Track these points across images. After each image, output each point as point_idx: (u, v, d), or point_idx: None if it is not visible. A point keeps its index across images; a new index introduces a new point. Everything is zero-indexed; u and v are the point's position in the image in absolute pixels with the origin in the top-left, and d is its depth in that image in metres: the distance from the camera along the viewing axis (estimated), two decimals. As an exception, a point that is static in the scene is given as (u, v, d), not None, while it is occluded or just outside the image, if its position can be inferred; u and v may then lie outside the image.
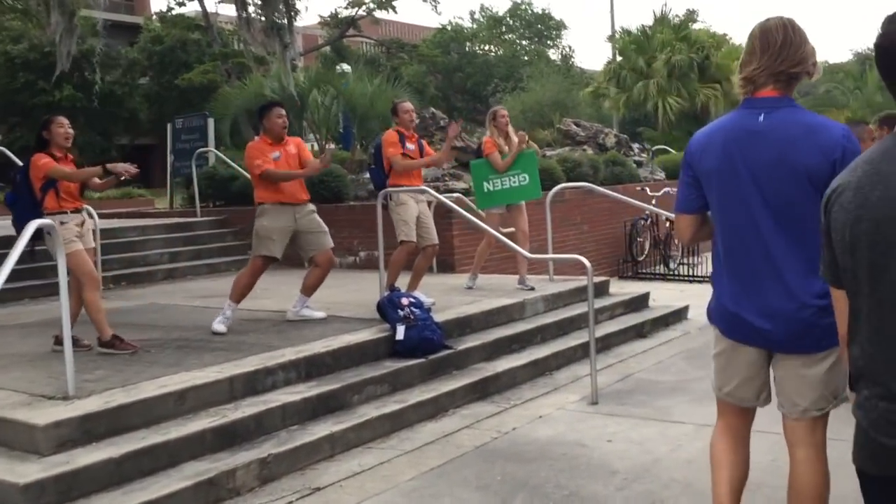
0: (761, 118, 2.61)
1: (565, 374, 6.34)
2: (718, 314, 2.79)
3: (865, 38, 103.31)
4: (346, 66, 16.87)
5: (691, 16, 33.22)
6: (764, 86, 2.62)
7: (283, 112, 6.44)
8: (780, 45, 2.58)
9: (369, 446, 4.80)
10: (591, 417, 5.25)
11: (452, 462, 4.54)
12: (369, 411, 5.06)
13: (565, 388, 5.99)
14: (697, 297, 9.93)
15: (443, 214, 8.79)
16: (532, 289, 7.66)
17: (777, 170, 2.57)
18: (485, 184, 7.74)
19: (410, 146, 7.05)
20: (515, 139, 7.84)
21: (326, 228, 6.53)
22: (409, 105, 7.28)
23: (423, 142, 7.50)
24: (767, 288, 2.62)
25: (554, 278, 8.30)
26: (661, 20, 29.09)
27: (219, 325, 6.07)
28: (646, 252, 12.92)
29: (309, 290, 6.53)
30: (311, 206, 6.50)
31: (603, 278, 8.71)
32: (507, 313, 7.02)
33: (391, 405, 5.18)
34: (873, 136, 5.62)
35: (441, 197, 7.31)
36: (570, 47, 76.47)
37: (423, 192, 7.07)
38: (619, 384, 6.04)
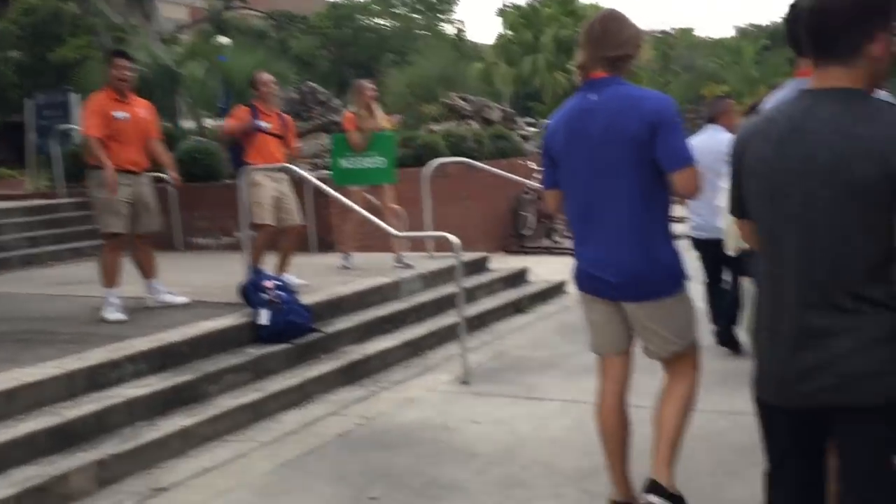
0: (593, 97, 2.99)
1: (440, 353, 6.22)
2: (578, 275, 3.16)
3: (747, 14, 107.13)
4: (224, 39, 16.21)
5: (579, -10, 33.55)
6: (594, 69, 3.00)
7: (127, 63, 5.93)
8: (600, 35, 2.98)
9: (226, 439, 4.55)
10: (460, 398, 5.14)
11: (312, 452, 4.34)
12: (227, 402, 4.80)
13: (438, 368, 5.87)
14: (579, 270, 10.09)
15: (320, 192, 8.51)
16: (409, 266, 7.50)
17: (608, 140, 2.92)
18: (342, 160, 7.52)
19: (264, 123, 6.71)
20: (379, 116, 7.63)
21: (156, 206, 6.11)
22: (266, 76, 6.91)
23: (288, 117, 7.17)
24: (612, 246, 2.98)
25: (434, 255, 8.17)
26: (549, -6, 29.29)
27: (110, 314, 5.69)
28: (531, 226, 12.97)
29: (150, 272, 6.16)
30: (148, 177, 6.08)
31: (481, 254, 8.62)
32: (381, 293, 6.84)
33: (252, 394, 4.94)
34: (731, 109, 5.79)
35: (304, 173, 6.99)
36: (461, 22, 76.26)
37: (283, 170, 6.76)
38: (492, 362, 5.96)
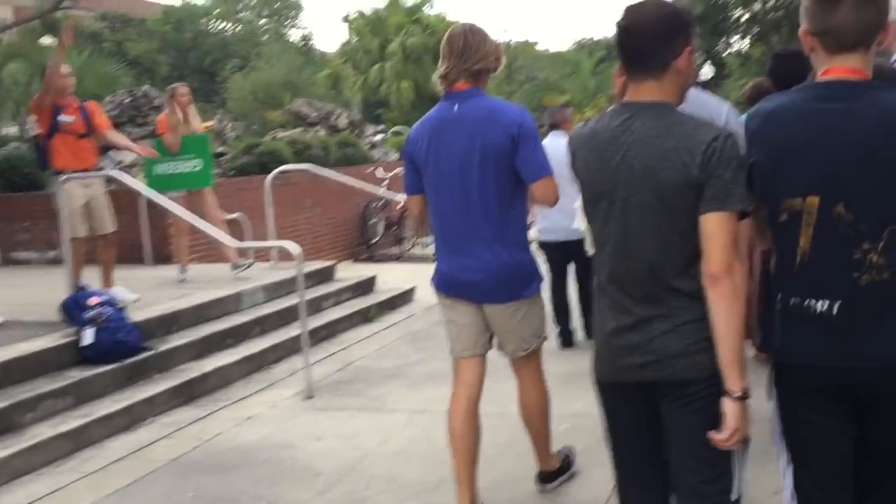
0: (456, 108, 3.11)
1: (284, 367, 5.98)
2: (440, 279, 3.26)
3: (585, 29, 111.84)
4: (48, 40, 15.18)
5: (425, 1, 33.86)
6: (456, 81, 3.12)
7: None
8: (462, 48, 3.09)
9: (42, 472, 4.16)
10: (303, 413, 4.95)
11: (141, 480, 4.03)
12: (45, 431, 4.39)
13: (282, 382, 5.64)
14: (427, 278, 10.04)
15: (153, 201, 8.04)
16: (248, 266, 7.23)
17: (471, 150, 3.04)
18: (156, 166, 7.20)
19: (67, 118, 6.20)
20: (195, 121, 7.33)
21: None
22: (65, 69, 6.31)
23: (92, 108, 6.48)
24: (473, 251, 3.11)
25: (278, 265, 7.90)
26: (395, 3, 29.36)
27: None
28: (380, 234, 12.86)
29: None
30: None
31: (328, 263, 8.43)
32: (221, 306, 6.51)
33: (73, 421, 4.54)
34: (571, 117, 6.02)
35: (131, 181, 6.54)
36: (307, 28, 75.42)
37: (110, 178, 6.31)
38: (338, 374, 5.79)
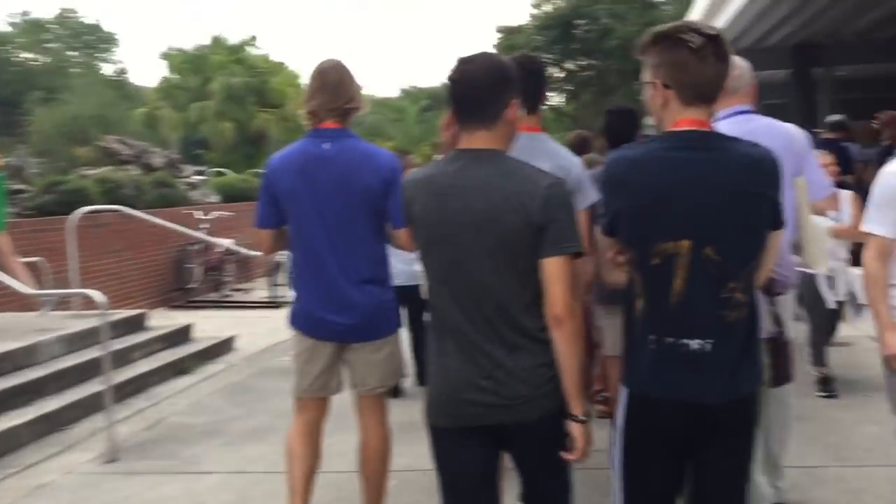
0: (327, 146, 3.08)
1: (84, 427, 5.43)
2: (300, 317, 3.20)
3: (410, 76, 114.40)
4: None
5: (249, 40, 33.29)
6: (325, 119, 3.09)
7: None
8: (336, 84, 3.08)
9: None
10: (105, 479, 4.47)
11: None
12: None
13: (81, 445, 5.10)
14: (250, 325, 9.63)
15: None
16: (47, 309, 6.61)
17: (341, 189, 3.04)
18: None
19: None
20: None
21: None
22: None
23: None
24: (339, 290, 3.09)
25: (81, 314, 7.26)
26: (217, 42, 28.65)
27: None
28: (197, 279, 12.24)
29: None
30: None
31: (138, 311, 7.86)
32: (13, 359, 5.86)
33: None
34: (413, 163, 6.13)
35: None
36: (122, 62, 72.32)
37: None
38: (146, 433, 5.32)
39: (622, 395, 2.18)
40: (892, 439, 4.28)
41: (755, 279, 2.13)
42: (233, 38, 30.55)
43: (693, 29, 2.04)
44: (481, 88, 2.17)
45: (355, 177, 3.04)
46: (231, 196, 14.91)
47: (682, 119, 2.07)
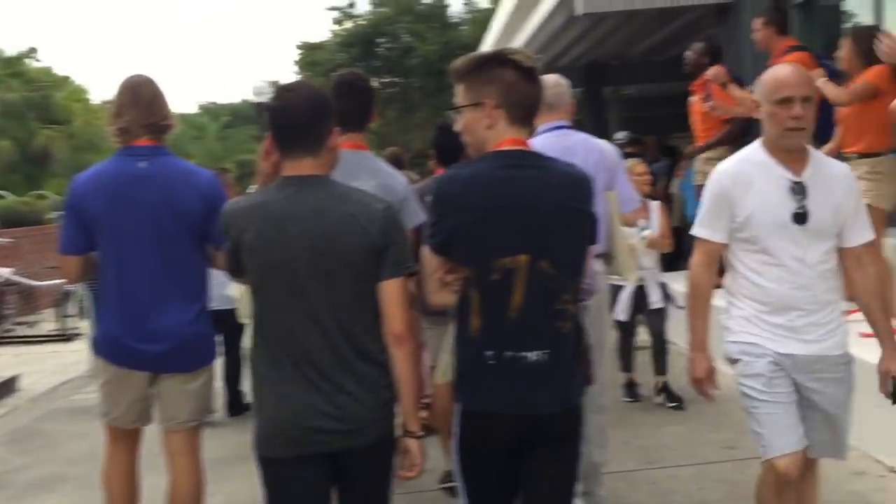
0: (143, 164, 2.90)
1: None
2: (105, 345, 2.98)
3: (210, 93, 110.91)
4: None
5: (28, 52, 30.82)
6: (139, 136, 2.92)
7: None
8: (150, 100, 2.94)
9: None
10: None
11: None
12: None
13: None
14: (37, 362, 8.79)
15: None
16: None
17: (161, 210, 2.87)
18: None
19: None
20: None
21: None
22: None
23: None
24: (153, 317, 2.89)
25: None
26: (-8, 53, 26.30)
27: None
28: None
29: None
30: None
31: None
32: None
33: None
34: (231, 183, 5.90)
35: None
36: None
37: None
38: (-89, 495, 4.66)
39: (457, 412, 2.21)
40: (694, 438, 4.56)
41: (579, 290, 2.24)
42: (10, 50, 28.26)
43: (516, 53, 2.17)
44: (306, 117, 2.20)
45: (177, 197, 2.89)
46: (11, 221, 13.68)
47: (506, 139, 2.16)
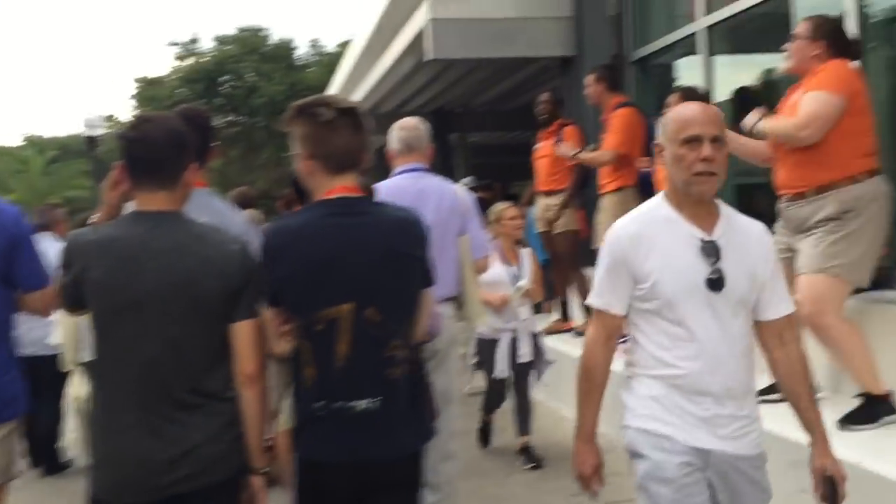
0: None
1: None
2: None
3: (37, 125, 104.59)
4: None
5: None
6: None
7: None
8: None
9: None
10: None
11: None
12: None
13: None
14: None
15: None
16: None
17: None
18: None
19: None
20: None
21: None
22: None
23: None
24: None
25: None
26: None
27: None
28: None
29: None
30: None
31: None
32: None
33: None
34: (62, 218, 5.61)
35: None
36: None
37: None
38: None
39: (295, 462, 2.20)
40: (542, 486, 4.53)
41: (413, 335, 2.24)
42: None
43: (325, 103, 2.17)
44: (163, 149, 2.16)
45: None
46: None
47: (333, 187, 2.17)
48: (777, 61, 4.12)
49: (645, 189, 5.45)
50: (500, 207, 5.06)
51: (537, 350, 5.03)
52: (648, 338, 2.24)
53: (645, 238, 2.20)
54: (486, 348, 4.95)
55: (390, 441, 2.14)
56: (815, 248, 3.51)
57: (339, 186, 2.18)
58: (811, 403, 2.27)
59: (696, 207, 2.20)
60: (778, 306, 2.27)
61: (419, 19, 7.62)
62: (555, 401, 5.80)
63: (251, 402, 2.16)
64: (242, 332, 2.15)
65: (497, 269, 4.65)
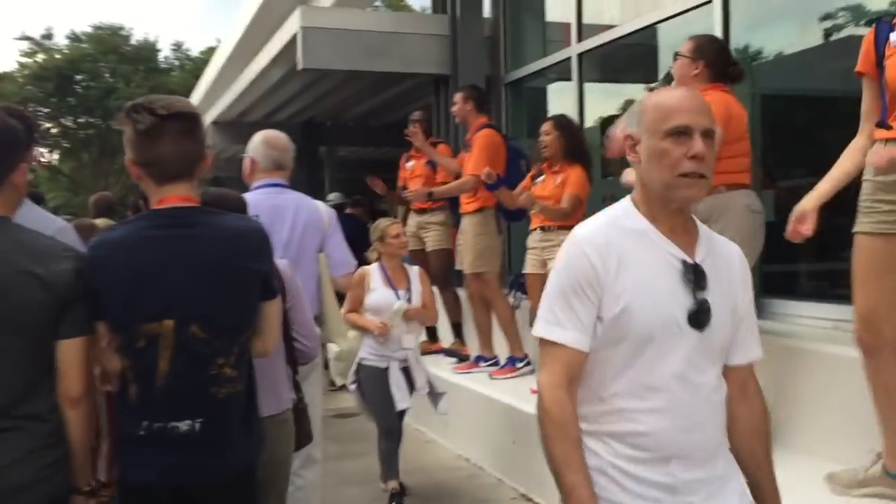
0: None
1: None
2: None
3: None
4: None
5: None
6: None
7: None
8: None
9: None
10: None
11: None
12: None
13: None
14: None
15: None
16: None
17: None
18: None
19: None
20: None
21: None
22: None
23: None
24: None
25: None
26: None
27: None
28: None
29: None
30: None
31: None
32: None
33: None
34: None
35: None
36: None
37: None
38: None
39: (119, 488, 2.11)
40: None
41: (249, 352, 2.15)
42: None
43: (149, 108, 2.01)
44: None
45: None
46: None
47: (165, 196, 2.06)
48: (643, 92, 4.20)
49: (509, 212, 5.45)
50: (384, 224, 4.52)
51: (429, 384, 4.49)
52: (604, 384, 1.73)
53: (614, 250, 1.70)
54: (371, 379, 4.30)
55: (215, 463, 2.05)
56: None
57: (169, 196, 2.05)
58: (770, 468, 1.85)
59: (674, 218, 1.74)
60: (748, 350, 1.84)
61: (291, 27, 7.39)
62: (416, 422, 5.64)
63: (76, 423, 2.03)
64: (68, 351, 2.00)
65: (381, 293, 4.32)
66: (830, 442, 3.38)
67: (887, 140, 2.74)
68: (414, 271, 4.52)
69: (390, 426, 4.31)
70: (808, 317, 4.10)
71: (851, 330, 2.92)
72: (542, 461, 1.74)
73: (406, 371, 4.34)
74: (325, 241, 3.51)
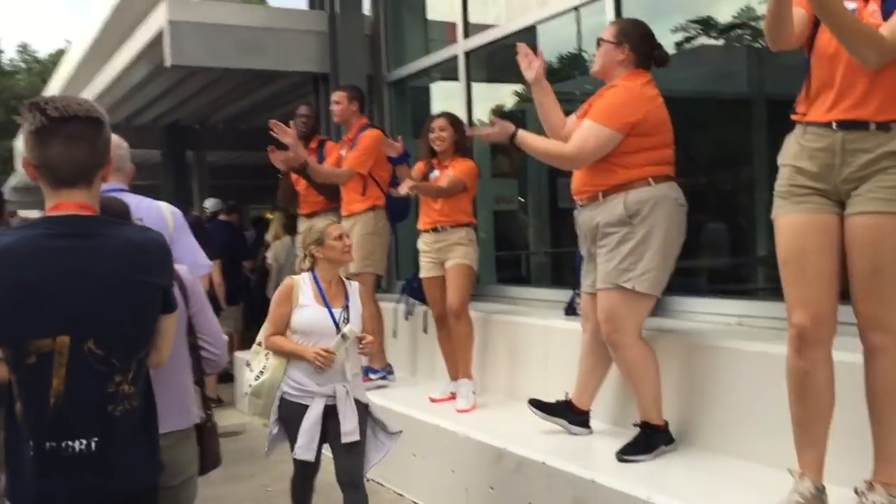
0: None
1: None
2: None
3: None
4: None
5: None
6: None
7: None
8: None
9: None
10: None
11: None
12: None
13: None
14: None
15: None
16: None
17: None
18: None
19: None
20: None
21: None
22: None
23: None
24: None
25: None
26: None
27: None
28: None
29: None
30: None
31: None
32: None
33: None
34: None
35: None
36: None
37: None
38: None
39: None
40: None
41: (147, 367, 2.06)
42: None
43: (41, 108, 1.89)
44: None
45: None
46: None
47: (61, 202, 1.95)
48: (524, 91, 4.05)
49: (394, 211, 5.40)
50: (322, 225, 3.60)
51: (374, 423, 3.55)
52: None
53: None
54: (291, 415, 3.43)
55: (109, 483, 1.97)
56: (608, 262, 3.43)
57: (65, 202, 1.95)
58: None
59: None
60: None
61: (157, 21, 6.89)
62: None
63: None
64: None
65: (313, 311, 3.43)
66: (740, 438, 3.35)
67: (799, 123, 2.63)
68: (353, 287, 3.59)
69: (303, 476, 3.53)
70: (711, 313, 4.07)
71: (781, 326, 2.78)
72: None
73: (332, 411, 3.39)
74: (171, 245, 3.17)
